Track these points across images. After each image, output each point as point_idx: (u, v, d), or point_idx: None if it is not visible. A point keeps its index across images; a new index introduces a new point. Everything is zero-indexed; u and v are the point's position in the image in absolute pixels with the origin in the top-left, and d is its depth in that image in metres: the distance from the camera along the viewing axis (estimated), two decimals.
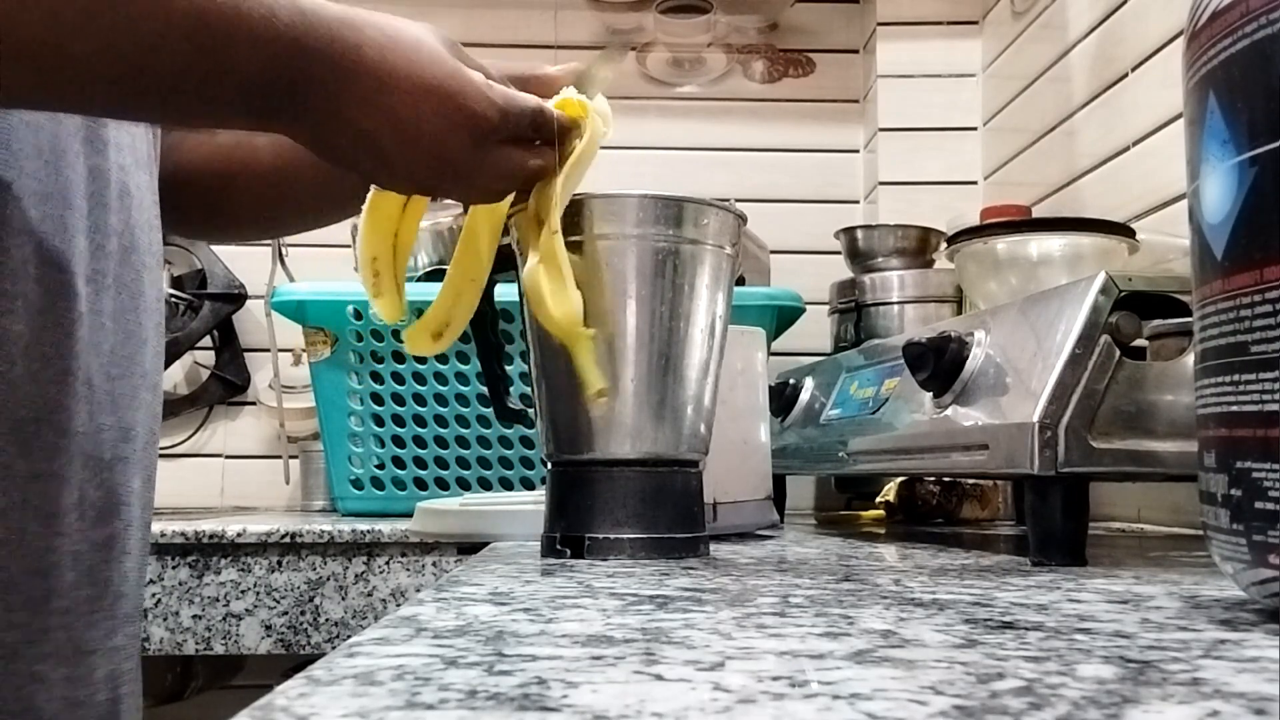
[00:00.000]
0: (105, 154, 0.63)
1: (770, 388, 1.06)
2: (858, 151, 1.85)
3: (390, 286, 0.69)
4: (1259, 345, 0.37)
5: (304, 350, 1.41)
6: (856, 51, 1.87)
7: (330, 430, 1.37)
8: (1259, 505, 0.37)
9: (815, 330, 1.57)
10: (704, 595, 0.48)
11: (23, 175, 0.57)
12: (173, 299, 1.78)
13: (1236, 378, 0.38)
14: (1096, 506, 0.78)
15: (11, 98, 0.51)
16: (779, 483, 1.15)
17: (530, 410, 0.76)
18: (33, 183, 0.58)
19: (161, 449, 1.80)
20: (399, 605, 0.62)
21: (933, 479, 1.25)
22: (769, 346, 1.14)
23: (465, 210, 0.70)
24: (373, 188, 0.66)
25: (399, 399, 1.35)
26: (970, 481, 1.26)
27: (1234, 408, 0.38)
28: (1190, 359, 0.67)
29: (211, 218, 0.84)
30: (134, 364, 0.65)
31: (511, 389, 0.83)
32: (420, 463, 1.36)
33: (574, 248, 0.69)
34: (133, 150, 0.66)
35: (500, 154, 0.61)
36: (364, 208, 0.67)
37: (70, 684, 0.60)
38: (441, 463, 1.35)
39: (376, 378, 1.35)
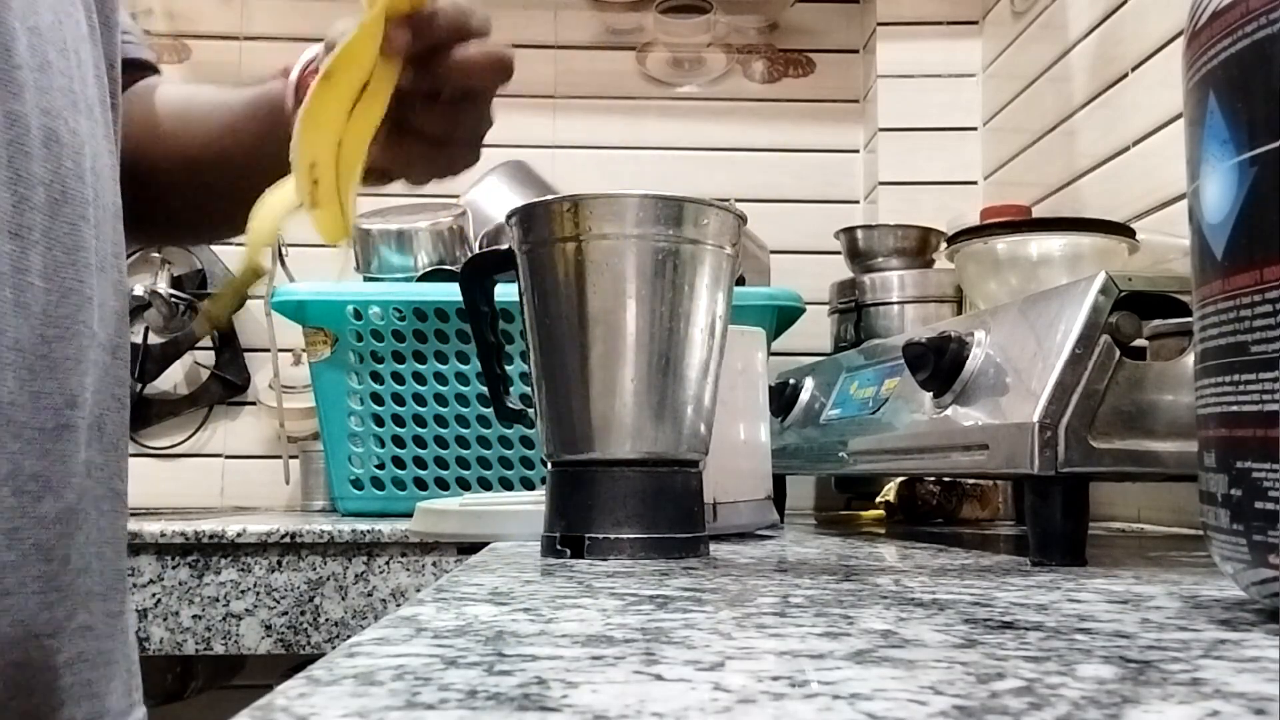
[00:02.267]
0: (22, 97, 0.58)
1: (770, 388, 1.06)
2: (858, 151, 1.85)
3: (331, 197, 0.61)
4: (1259, 345, 0.37)
5: (304, 350, 1.41)
6: (856, 51, 1.87)
7: (330, 430, 1.37)
8: (1259, 505, 0.37)
9: (815, 330, 1.57)
10: (704, 595, 0.48)
11: None
12: (173, 299, 1.78)
13: (1236, 378, 0.38)
14: (1096, 506, 0.78)
15: None
16: (779, 483, 1.15)
17: (530, 410, 0.76)
18: None
19: (161, 449, 1.81)
20: (399, 605, 0.61)
21: (933, 479, 1.25)
22: (769, 346, 1.14)
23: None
24: (314, 81, 0.60)
25: (399, 399, 1.35)
26: (970, 481, 1.26)
27: (1234, 408, 0.38)
28: (1190, 359, 0.67)
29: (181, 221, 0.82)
30: (75, 324, 0.60)
31: (511, 389, 0.83)
32: (420, 463, 1.36)
33: (572, 248, 0.69)
34: (67, 93, 0.61)
35: None
36: (303, 105, 0.59)
37: (19, 669, 0.56)
38: (441, 463, 1.35)
39: (376, 378, 1.35)
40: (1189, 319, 0.68)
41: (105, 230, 0.64)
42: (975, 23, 1.74)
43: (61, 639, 0.59)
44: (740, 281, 1.26)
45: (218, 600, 1.11)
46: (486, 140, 0.74)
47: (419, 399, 1.35)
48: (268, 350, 1.72)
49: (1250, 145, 0.37)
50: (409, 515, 1.04)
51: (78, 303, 0.60)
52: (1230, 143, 0.38)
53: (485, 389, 0.82)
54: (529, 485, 1.33)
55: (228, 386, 1.82)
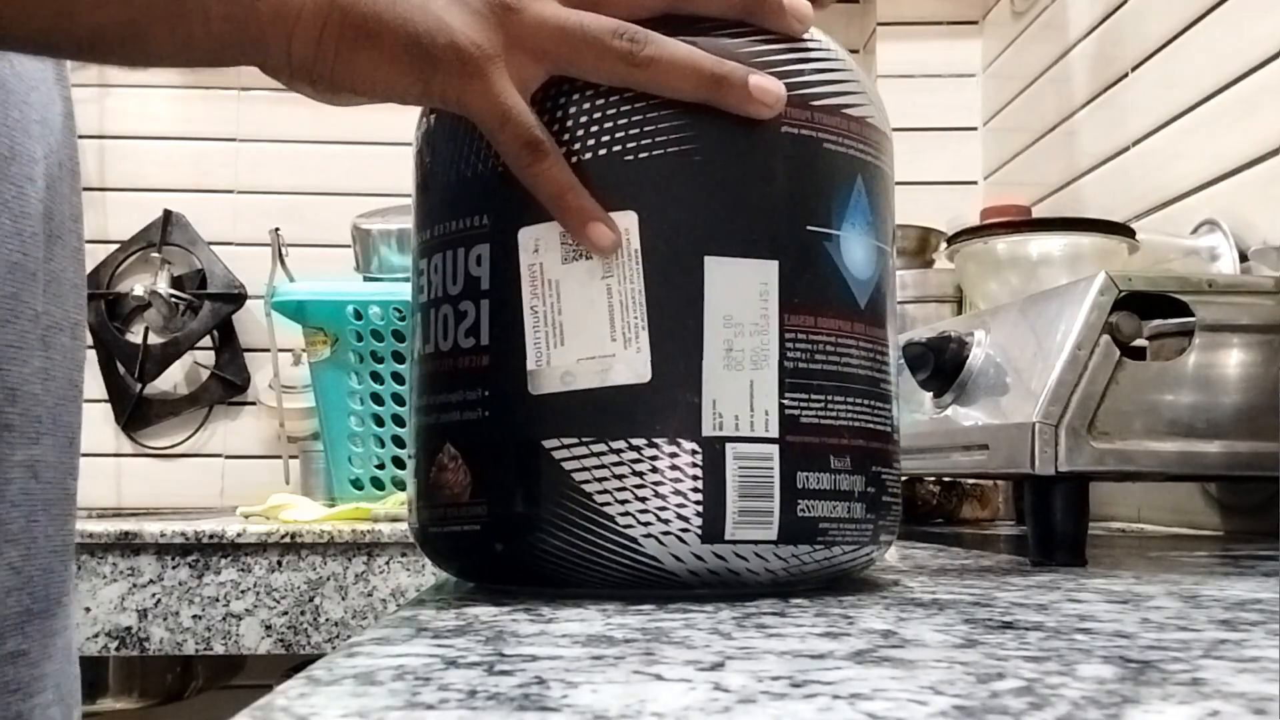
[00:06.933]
0: None
1: None
2: None
3: None
4: None
5: (304, 350, 1.41)
6: (856, 51, 1.86)
7: (330, 430, 1.37)
8: None
9: None
10: (704, 595, 0.48)
11: None
12: (173, 299, 1.78)
13: None
14: (1096, 506, 0.78)
15: None
16: None
17: None
18: None
19: (161, 449, 1.81)
20: (399, 605, 0.61)
21: (933, 479, 1.25)
22: None
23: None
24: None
25: (399, 399, 1.35)
26: (970, 481, 1.26)
27: None
28: (1191, 359, 0.67)
29: None
30: (18, 304, 0.51)
31: None
32: None
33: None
34: None
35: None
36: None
37: None
38: None
39: (376, 378, 1.35)
40: (1189, 319, 0.68)
41: (60, 192, 0.54)
42: (975, 23, 1.74)
43: None
44: None
45: (218, 600, 1.11)
46: None
47: None
48: (268, 350, 1.72)
49: None
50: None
51: (21, 280, 0.51)
52: None
53: None
54: None
55: (228, 386, 1.82)
